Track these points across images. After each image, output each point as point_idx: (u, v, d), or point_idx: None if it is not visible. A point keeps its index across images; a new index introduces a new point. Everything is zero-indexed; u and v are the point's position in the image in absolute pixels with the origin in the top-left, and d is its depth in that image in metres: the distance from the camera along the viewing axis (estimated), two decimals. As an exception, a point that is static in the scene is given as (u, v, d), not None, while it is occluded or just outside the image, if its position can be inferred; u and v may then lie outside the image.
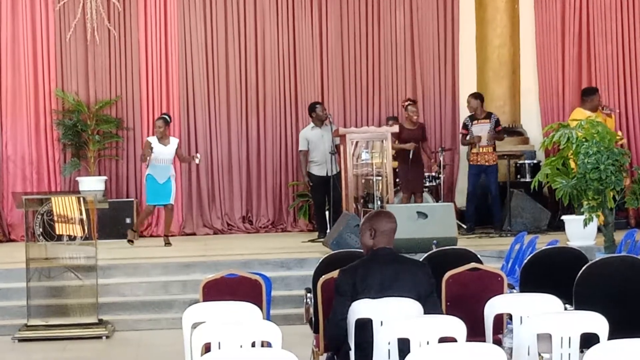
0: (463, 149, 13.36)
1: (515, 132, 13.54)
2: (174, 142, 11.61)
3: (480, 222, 12.37)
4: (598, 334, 4.42)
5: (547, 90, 13.64)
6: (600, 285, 5.75)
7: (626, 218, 12.34)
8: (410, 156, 11.75)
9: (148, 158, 11.32)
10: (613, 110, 12.13)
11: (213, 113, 13.36)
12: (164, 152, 11.41)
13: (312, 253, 10.10)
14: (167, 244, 11.49)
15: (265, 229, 13.41)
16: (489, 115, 12.12)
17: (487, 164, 12.01)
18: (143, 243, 11.84)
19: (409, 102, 12.31)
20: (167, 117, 11.79)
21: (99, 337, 8.39)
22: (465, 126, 12.24)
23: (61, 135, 12.89)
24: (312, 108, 11.94)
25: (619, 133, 8.62)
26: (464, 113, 13.26)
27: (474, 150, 12.08)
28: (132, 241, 11.50)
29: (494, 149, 12.09)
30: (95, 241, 8.68)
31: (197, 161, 11.86)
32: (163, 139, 11.45)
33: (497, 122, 12.16)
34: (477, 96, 12.29)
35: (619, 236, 8.64)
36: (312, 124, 11.87)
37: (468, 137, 12.16)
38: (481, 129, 12.04)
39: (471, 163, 12.17)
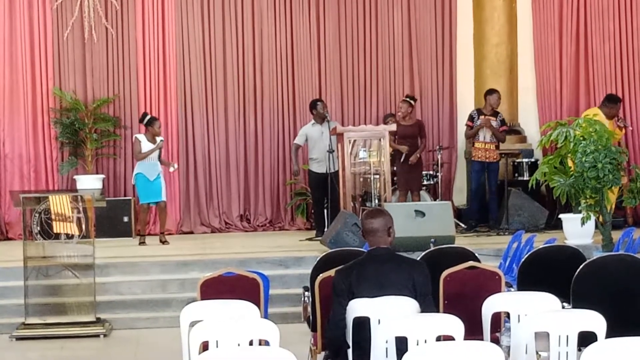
0: (461, 147, 13.35)
1: (512, 130, 13.52)
2: (159, 140, 11.54)
3: (480, 220, 12.36)
4: (596, 332, 4.43)
5: (544, 89, 13.63)
6: (597, 284, 5.76)
7: (624, 217, 12.34)
8: (402, 158, 11.75)
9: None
10: (627, 125, 12.08)
11: (211, 111, 13.33)
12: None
13: (310, 251, 10.10)
14: (164, 242, 11.48)
15: (263, 228, 13.39)
16: (495, 114, 12.10)
17: (489, 160, 11.99)
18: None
19: (404, 99, 12.30)
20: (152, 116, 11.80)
21: (96, 336, 8.40)
22: (471, 118, 12.10)
23: (59, 134, 12.87)
24: (313, 105, 11.91)
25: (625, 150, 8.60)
26: (461, 111, 13.27)
27: (478, 146, 12.03)
28: (144, 243, 11.44)
29: (497, 146, 12.07)
30: (93, 239, 8.68)
31: (172, 169, 11.81)
32: (151, 136, 11.44)
33: (503, 122, 12.15)
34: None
35: (616, 235, 8.64)
36: (312, 121, 11.85)
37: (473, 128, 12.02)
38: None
39: (474, 160, 12.11)
